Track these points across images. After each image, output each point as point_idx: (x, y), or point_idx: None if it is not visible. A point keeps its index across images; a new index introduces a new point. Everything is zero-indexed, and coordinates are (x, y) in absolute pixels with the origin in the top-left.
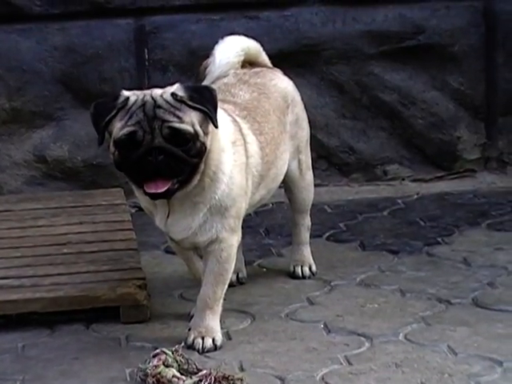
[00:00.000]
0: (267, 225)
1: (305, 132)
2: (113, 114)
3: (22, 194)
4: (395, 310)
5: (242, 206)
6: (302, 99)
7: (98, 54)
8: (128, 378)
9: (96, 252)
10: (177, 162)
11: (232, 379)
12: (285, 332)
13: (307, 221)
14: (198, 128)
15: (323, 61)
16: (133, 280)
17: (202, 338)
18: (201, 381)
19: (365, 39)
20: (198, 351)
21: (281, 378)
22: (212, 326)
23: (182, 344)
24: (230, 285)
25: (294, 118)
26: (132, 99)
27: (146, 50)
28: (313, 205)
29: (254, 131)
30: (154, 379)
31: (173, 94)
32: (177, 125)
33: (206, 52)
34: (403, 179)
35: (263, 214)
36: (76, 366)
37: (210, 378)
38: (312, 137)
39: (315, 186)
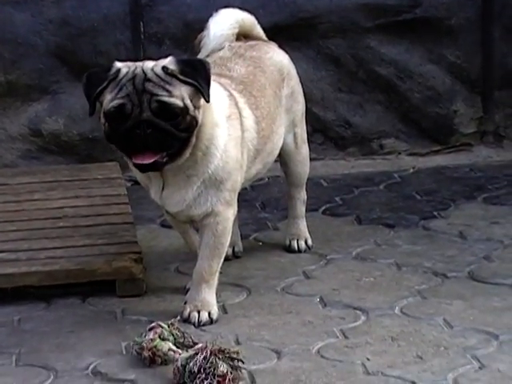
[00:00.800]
0: (263, 199)
1: (300, 105)
2: (104, 85)
3: (17, 168)
4: (391, 283)
5: (237, 180)
6: (298, 73)
7: (93, 26)
8: (124, 351)
9: (92, 226)
10: (165, 135)
11: (228, 352)
12: (281, 306)
13: (303, 194)
14: (188, 102)
15: (319, 34)
16: (129, 254)
17: (198, 312)
18: (197, 354)
19: (361, 12)
20: (194, 325)
21: (277, 352)
22: (208, 299)
23: (178, 317)
24: (226, 258)
25: (290, 91)
26: (123, 71)
27: (141, 23)
28: (309, 179)
29: (250, 105)
30: (149, 352)
31: (163, 68)
32: (165, 98)
33: (202, 25)
34: (399, 153)
35: (259, 187)
36: (72, 340)
37: (206, 352)
38: (308, 110)
39: (311, 159)
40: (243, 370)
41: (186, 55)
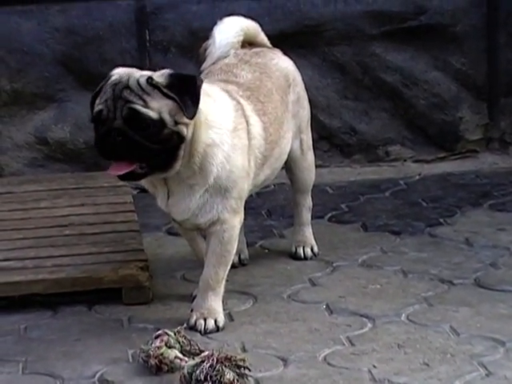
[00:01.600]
0: (269, 206)
1: (306, 111)
2: (96, 90)
3: (23, 176)
4: (397, 290)
5: (243, 188)
6: (303, 80)
7: (98, 35)
8: (130, 359)
9: (98, 234)
10: (135, 146)
11: (234, 360)
12: (287, 313)
13: (308, 201)
14: (165, 116)
15: (325, 41)
16: (135, 261)
17: (204, 320)
18: (203, 362)
19: (366, 20)
20: (200, 332)
21: (283, 359)
22: (214, 307)
23: (185, 325)
24: (232, 266)
25: (296, 97)
26: (112, 78)
27: (147, 31)
28: (314, 186)
29: (257, 112)
30: (156, 360)
31: (148, 79)
32: (138, 107)
33: (207, 33)
34: (405, 160)
35: (265, 195)
36: (78, 347)
37: (213, 359)
38: (314, 118)
39: (317, 167)
40: (250, 378)
41: (192, 63)
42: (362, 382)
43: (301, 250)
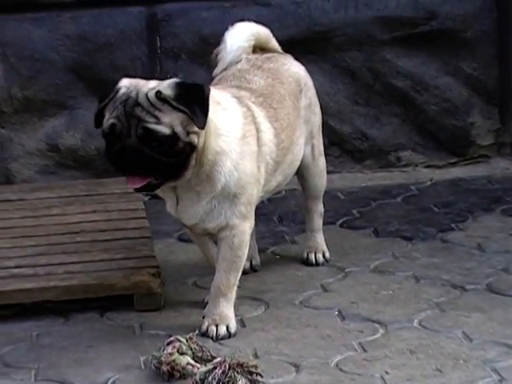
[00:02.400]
0: (280, 212)
1: (317, 117)
2: (105, 102)
3: (34, 183)
4: (409, 296)
5: (253, 194)
6: (314, 85)
7: (109, 42)
8: (142, 366)
9: (109, 240)
10: (151, 162)
11: (246, 366)
12: (299, 319)
13: (320, 207)
14: (178, 129)
15: (335, 47)
16: (146, 268)
17: (216, 326)
18: (215, 368)
19: (377, 25)
20: (212, 339)
21: (295, 365)
22: (226, 313)
23: (196, 332)
24: (244, 272)
25: (307, 102)
26: (121, 91)
27: (157, 38)
28: (326, 192)
29: (269, 118)
30: (168, 367)
31: (157, 93)
32: (152, 126)
33: (218, 39)
34: (416, 165)
35: (276, 201)
36: (90, 354)
37: (225, 366)
38: (324, 123)
39: (328, 172)
40: None
41: (203, 69)
42: None
43: (312, 256)
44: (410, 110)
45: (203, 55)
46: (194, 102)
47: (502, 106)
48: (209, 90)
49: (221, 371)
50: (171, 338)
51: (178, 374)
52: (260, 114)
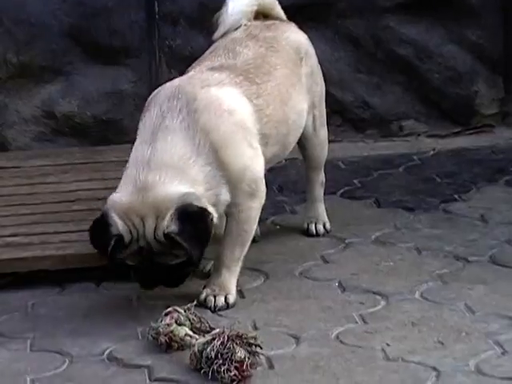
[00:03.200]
0: (280, 181)
1: (319, 87)
2: (110, 249)
3: (30, 151)
4: (411, 268)
5: (254, 171)
6: (316, 54)
7: (107, 6)
8: (140, 337)
9: None
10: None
11: (245, 338)
12: (299, 290)
13: (321, 177)
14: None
15: (337, 14)
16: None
17: (214, 297)
18: (214, 339)
19: None
20: (210, 309)
21: (295, 337)
22: (226, 284)
23: (195, 302)
24: None
25: (309, 70)
26: (126, 239)
27: (155, 3)
28: (327, 161)
29: (249, 95)
30: (166, 338)
31: (166, 236)
32: (174, 262)
33: (217, 5)
34: (419, 135)
35: (276, 170)
36: (87, 325)
37: (223, 337)
38: (326, 92)
39: (329, 141)
40: (261, 356)
41: (201, 36)
42: (375, 360)
43: (313, 227)
44: (413, 79)
45: (202, 21)
46: (195, 236)
47: (506, 75)
48: (211, 220)
49: (219, 342)
50: (169, 309)
51: (176, 345)
52: (235, 92)
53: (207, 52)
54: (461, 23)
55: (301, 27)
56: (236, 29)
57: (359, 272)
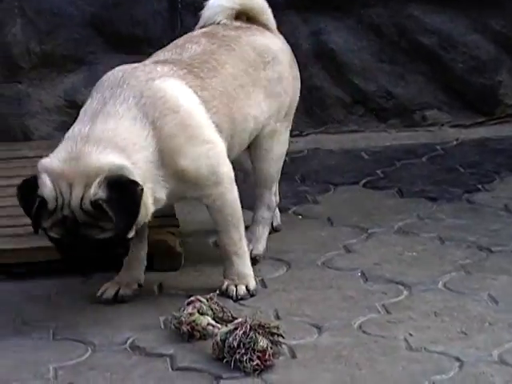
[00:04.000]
0: (302, 171)
1: (288, 98)
2: (33, 212)
3: (52, 140)
4: (434, 258)
5: (208, 164)
6: (339, 43)
7: None
8: (162, 326)
9: None
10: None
11: (268, 327)
12: (321, 280)
13: (268, 199)
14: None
15: (361, 3)
16: (167, 227)
17: (235, 286)
18: (236, 329)
19: None
20: (232, 298)
21: (317, 327)
22: (242, 271)
23: (217, 292)
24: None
25: (275, 75)
26: (50, 204)
27: None
28: (349, 151)
29: (194, 87)
30: (188, 327)
31: (92, 203)
32: (100, 236)
33: None
34: (442, 125)
35: (298, 160)
36: (109, 314)
37: (246, 326)
38: (348, 81)
39: (351, 131)
40: (283, 345)
41: None
42: (398, 350)
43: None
44: (437, 68)
45: None
46: (123, 206)
47: None
48: (140, 189)
49: (242, 332)
50: (191, 298)
51: (198, 335)
52: (177, 84)
53: (153, 55)
54: (485, 12)
55: (324, 17)
56: (213, 21)
57: (382, 262)
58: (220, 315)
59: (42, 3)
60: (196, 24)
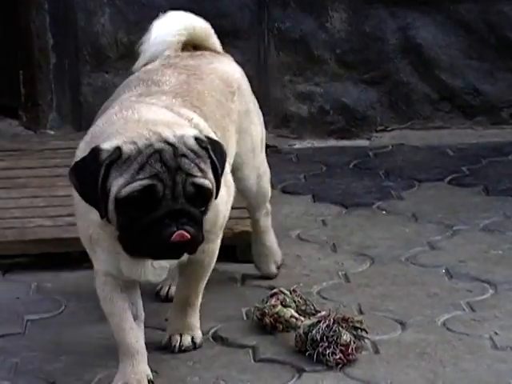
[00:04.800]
0: (387, 167)
1: (259, 128)
2: (101, 175)
3: None
4: None
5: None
6: (427, 39)
7: None
8: (244, 317)
9: None
10: (196, 226)
11: (351, 321)
12: (405, 276)
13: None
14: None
15: None
16: (250, 219)
17: (180, 336)
18: (319, 322)
19: None
20: (175, 350)
21: (401, 323)
22: (191, 322)
23: (301, 284)
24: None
25: (244, 108)
26: (129, 148)
27: None
28: (435, 147)
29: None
30: (271, 319)
31: (197, 139)
32: (201, 181)
33: None
34: None
35: (382, 155)
36: None
37: (329, 320)
38: (435, 77)
39: (438, 128)
40: (366, 340)
41: (311, 18)
42: (484, 349)
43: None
44: None
45: (312, 4)
46: (219, 152)
47: None
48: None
49: (325, 325)
50: (275, 290)
51: (281, 327)
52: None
53: (115, 92)
54: None
55: (412, 11)
56: (158, 57)
57: (467, 259)
58: (303, 308)
59: None
60: (284, 17)
